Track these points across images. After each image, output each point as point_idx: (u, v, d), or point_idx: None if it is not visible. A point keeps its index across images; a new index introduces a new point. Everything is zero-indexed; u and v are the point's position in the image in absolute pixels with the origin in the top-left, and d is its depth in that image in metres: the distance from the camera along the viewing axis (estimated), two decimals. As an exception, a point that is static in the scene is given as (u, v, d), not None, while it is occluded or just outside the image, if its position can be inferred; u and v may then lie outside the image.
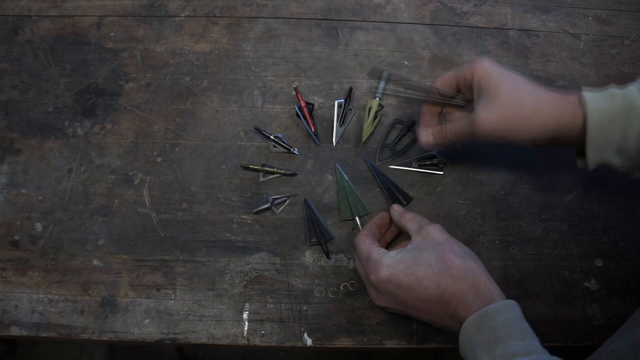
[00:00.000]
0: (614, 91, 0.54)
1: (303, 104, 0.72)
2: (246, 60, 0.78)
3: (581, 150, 0.57)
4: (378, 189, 0.69)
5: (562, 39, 0.81)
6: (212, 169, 0.70)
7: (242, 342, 0.61)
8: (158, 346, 0.81)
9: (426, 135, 0.63)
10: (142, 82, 0.76)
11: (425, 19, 0.82)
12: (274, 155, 0.71)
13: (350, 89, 0.74)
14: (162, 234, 0.66)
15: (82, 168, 0.71)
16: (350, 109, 0.74)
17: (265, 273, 0.64)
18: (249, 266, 0.65)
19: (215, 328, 0.61)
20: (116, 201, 0.68)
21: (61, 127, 0.73)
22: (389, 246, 0.65)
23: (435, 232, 0.56)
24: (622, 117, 0.52)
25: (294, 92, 0.75)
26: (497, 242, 0.66)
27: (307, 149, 0.72)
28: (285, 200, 0.68)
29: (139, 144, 0.72)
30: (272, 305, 0.62)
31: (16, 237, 0.66)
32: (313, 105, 0.73)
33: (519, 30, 0.81)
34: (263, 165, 0.70)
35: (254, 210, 0.67)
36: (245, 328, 0.61)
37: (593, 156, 0.55)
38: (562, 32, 0.82)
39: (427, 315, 0.54)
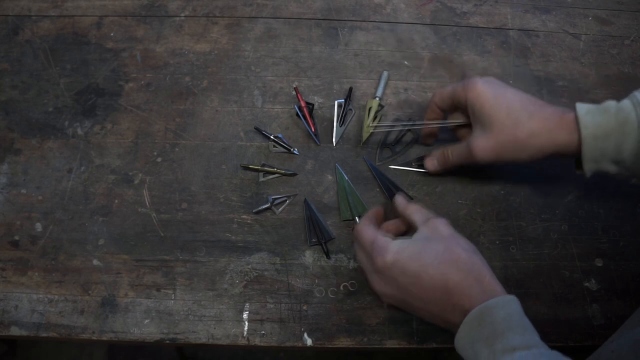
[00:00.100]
0: (608, 106, 0.55)
1: (303, 104, 0.72)
2: (246, 60, 0.78)
3: (579, 160, 0.58)
4: (378, 189, 0.69)
5: (562, 39, 0.81)
6: (212, 169, 0.70)
7: (242, 342, 0.61)
8: (158, 346, 0.81)
9: (431, 162, 0.68)
10: (142, 82, 0.76)
11: (425, 19, 0.82)
12: (274, 155, 0.71)
13: (350, 89, 0.74)
14: (162, 234, 0.66)
15: (82, 168, 0.71)
16: (350, 109, 0.74)
17: (265, 273, 0.64)
18: (249, 266, 0.65)
19: (215, 328, 0.61)
20: (116, 201, 0.68)
21: (61, 127, 0.73)
22: None
23: (442, 226, 0.56)
24: (616, 131, 0.53)
25: (294, 92, 0.75)
26: (497, 242, 0.66)
27: (307, 149, 0.72)
28: (285, 200, 0.68)
29: (139, 144, 0.72)
30: (272, 305, 0.63)
31: (16, 237, 0.66)
32: (313, 105, 0.73)
33: (519, 30, 0.81)
34: (263, 165, 0.70)
35: (254, 210, 0.67)
36: (245, 328, 0.61)
37: (589, 167, 0.57)
38: (562, 32, 0.82)
39: (426, 306, 0.53)
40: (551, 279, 0.64)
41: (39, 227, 0.67)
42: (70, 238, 0.66)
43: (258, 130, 0.72)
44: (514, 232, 0.67)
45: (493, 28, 0.82)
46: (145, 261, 0.65)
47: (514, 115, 0.57)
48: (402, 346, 0.61)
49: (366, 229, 0.58)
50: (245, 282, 0.64)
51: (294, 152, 0.71)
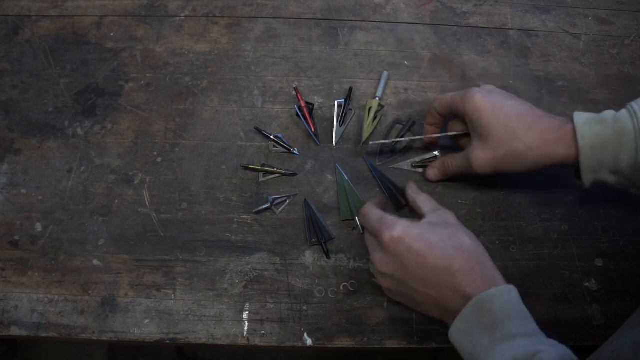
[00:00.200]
0: (606, 116, 0.55)
1: (303, 104, 0.72)
2: (246, 60, 0.78)
3: (578, 171, 0.58)
4: (378, 189, 0.69)
5: (562, 39, 0.81)
6: (212, 169, 0.70)
7: (242, 342, 0.61)
8: (158, 346, 0.81)
9: (432, 172, 0.69)
10: (142, 82, 0.76)
11: (425, 19, 0.82)
12: (274, 155, 0.71)
13: (350, 89, 0.74)
14: (162, 234, 0.66)
15: (82, 168, 0.71)
16: (350, 109, 0.74)
17: (265, 273, 0.64)
18: (249, 266, 0.65)
19: (215, 328, 0.61)
20: (116, 201, 0.68)
21: (61, 127, 0.73)
22: None
23: (449, 216, 0.58)
24: (613, 141, 0.54)
25: (294, 92, 0.75)
26: (497, 242, 0.66)
27: (307, 149, 0.72)
28: (285, 200, 0.68)
29: (139, 144, 0.72)
30: (272, 305, 0.62)
31: (16, 237, 0.66)
32: (313, 105, 0.73)
33: (519, 30, 0.81)
34: (263, 165, 0.70)
35: (254, 210, 0.67)
36: (245, 328, 0.61)
37: (588, 177, 0.57)
38: (562, 32, 0.82)
39: (426, 290, 0.53)
40: (551, 279, 0.64)
41: (39, 227, 0.67)
42: (70, 238, 0.66)
43: (258, 130, 0.72)
44: (514, 232, 0.67)
45: (493, 28, 0.82)
46: (145, 261, 0.65)
47: (511, 128, 0.58)
48: (402, 346, 0.61)
49: (373, 209, 0.59)
50: (245, 282, 0.64)
51: (294, 152, 0.71)
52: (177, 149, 0.72)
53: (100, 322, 0.62)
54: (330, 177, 0.70)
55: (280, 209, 0.68)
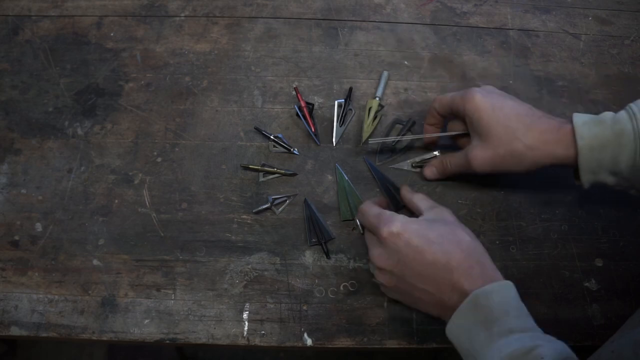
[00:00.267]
0: (605, 117, 0.55)
1: (303, 104, 0.72)
2: (246, 60, 0.78)
3: (578, 172, 0.58)
4: (378, 189, 0.69)
5: (562, 39, 0.81)
6: (212, 169, 0.70)
7: (242, 342, 0.61)
8: (158, 346, 0.81)
9: (430, 170, 0.68)
10: (142, 82, 0.76)
11: (425, 19, 0.82)
12: (274, 155, 0.71)
13: (350, 89, 0.74)
14: (162, 234, 0.66)
15: (82, 168, 0.71)
16: (350, 109, 0.74)
17: (265, 273, 0.64)
18: (249, 266, 0.65)
19: (215, 328, 0.61)
20: (116, 201, 0.68)
21: (61, 127, 0.73)
22: None
23: (447, 213, 0.58)
24: (612, 142, 0.54)
25: (294, 92, 0.75)
26: (497, 242, 0.66)
27: (307, 149, 0.72)
28: (285, 200, 0.68)
29: (139, 144, 0.72)
30: (272, 305, 0.62)
31: (16, 237, 0.66)
32: (313, 105, 0.73)
33: (519, 30, 0.81)
34: (263, 165, 0.70)
35: (254, 210, 0.67)
36: (245, 328, 0.61)
37: (587, 178, 0.57)
38: (562, 32, 0.82)
39: (424, 285, 0.53)
40: (551, 279, 0.64)
41: (39, 227, 0.67)
42: (70, 238, 0.66)
43: (258, 130, 0.72)
44: (514, 232, 0.67)
45: (493, 28, 0.82)
46: (145, 261, 0.65)
47: (511, 128, 0.58)
48: (402, 346, 0.61)
49: (372, 205, 0.60)
50: (245, 282, 0.64)
51: (294, 152, 0.71)
52: (177, 149, 0.72)
53: (100, 322, 0.62)
54: (330, 177, 0.70)
55: (280, 209, 0.68)
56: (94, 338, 0.61)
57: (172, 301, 0.63)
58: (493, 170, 0.60)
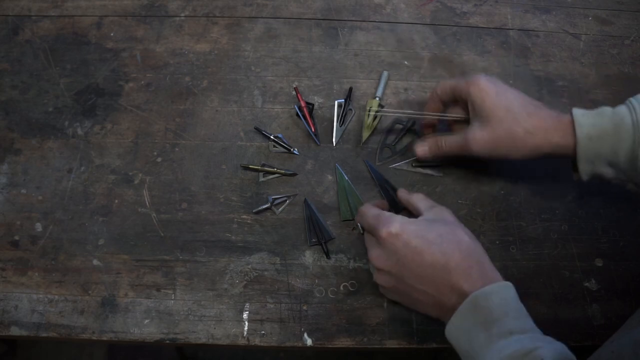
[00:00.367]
0: (604, 109, 0.56)
1: (303, 104, 0.72)
2: (246, 60, 0.78)
3: (576, 165, 0.58)
4: (378, 189, 0.69)
5: (562, 39, 0.81)
6: (212, 169, 0.70)
7: (242, 342, 0.61)
8: (158, 346, 0.81)
9: (422, 148, 0.66)
10: (142, 82, 0.76)
11: (425, 19, 0.82)
12: (274, 155, 0.71)
13: (350, 89, 0.74)
14: (162, 234, 0.66)
15: (82, 168, 0.71)
16: (350, 109, 0.74)
17: (265, 273, 0.64)
18: (249, 266, 0.65)
19: (215, 328, 0.61)
20: (116, 201, 0.68)
21: (61, 127, 0.73)
22: None
23: (447, 213, 0.58)
24: (611, 133, 0.54)
25: (294, 92, 0.75)
26: (497, 242, 0.66)
27: (307, 149, 0.72)
28: (285, 200, 0.68)
29: (139, 144, 0.72)
30: (272, 305, 0.63)
31: (16, 237, 0.66)
32: (313, 105, 0.73)
33: (519, 30, 0.81)
34: (263, 165, 0.70)
35: (254, 210, 0.67)
36: (245, 328, 0.61)
37: (585, 168, 0.57)
38: (562, 32, 0.82)
39: (423, 286, 0.53)
40: (551, 279, 0.64)
41: (39, 227, 0.67)
42: (70, 238, 0.66)
43: (258, 130, 0.72)
44: (514, 232, 0.67)
45: (493, 28, 0.82)
46: (145, 261, 0.65)
47: (512, 112, 0.58)
48: (402, 346, 0.61)
49: (371, 207, 0.60)
50: (245, 282, 0.64)
51: (294, 152, 0.71)
52: (177, 149, 0.72)
53: (100, 322, 0.62)
54: (330, 177, 0.70)
55: (280, 209, 0.68)
56: (94, 338, 0.61)
57: (172, 301, 0.63)
58: (490, 154, 0.60)
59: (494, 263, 0.64)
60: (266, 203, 0.67)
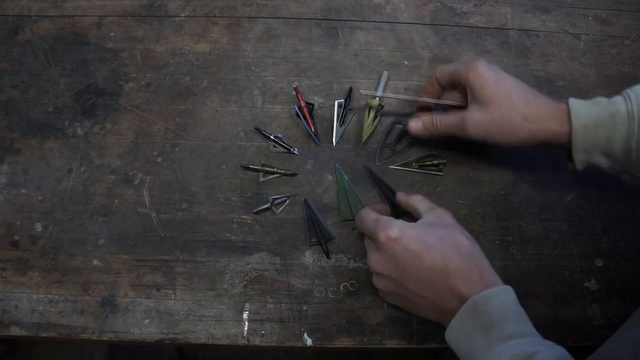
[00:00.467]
0: (600, 99, 0.56)
1: (303, 104, 0.72)
2: (246, 60, 0.78)
3: (572, 154, 0.58)
4: (378, 189, 0.69)
5: (562, 39, 0.81)
6: (212, 169, 0.70)
7: (242, 342, 0.61)
8: (158, 346, 0.81)
9: (416, 123, 0.66)
10: (142, 82, 0.76)
11: (425, 19, 0.82)
12: (274, 155, 0.71)
13: (350, 89, 0.74)
14: (162, 234, 0.66)
15: (82, 168, 0.71)
16: (350, 109, 0.74)
17: (265, 273, 0.64)
18: (249, 266, 0.65)
19: (215, 328, 0.61)
20: (116, 201, 0.68)
21: (61, 127, 0.73)
22: None
23: (446, 215, 0.57)
24: (606, 122, 0.55)
25: (294, 92, 0.75)
26: (497, 242, 0.66)
27: (307, 149, 0.72)
28: (285, 200, 0.68)
29: (139, 144, 0.72)
30: (272, 305, 0.63)
31: (16, 237, 0.66)
32: (313, 105, 0.73)
33: (519, 30, 0.81)
34: (263, 165, 0.70)
35: (254, 210, 0.67)
36: (245, 328, 0.61)
37: (580, 158, 0.58)
38: (562, 32, 0.82)
39: (422, 290, 0.53)
40: (551, 279, 0.64)
41: (39, 227, 0.67)
42: (70, 238, 0.66)
43: (258, 130, 0.72)
44: (514, 232, 0.67)
45: (493, 28, 0.82)
46: (145, 261, 0.65)
47: (511, 99, 0.58)
48: (402, 346, 0.61)
49: (370, 211, 0.59)
50: (245, 282, 0.64)
51: (294, 152, 0.71)
52: (177, 149, 0.72)
53: (100, 322, 0.62)
54: (330, 177, 0.70)
55: (280, 209, 0.68)
56: (94, 338, 0.61)
57: (172, 301, 0.63)
58: (485, 138, 0.60)
59: (494, 263, 0.64)
60: (266, 203, 0.67)
